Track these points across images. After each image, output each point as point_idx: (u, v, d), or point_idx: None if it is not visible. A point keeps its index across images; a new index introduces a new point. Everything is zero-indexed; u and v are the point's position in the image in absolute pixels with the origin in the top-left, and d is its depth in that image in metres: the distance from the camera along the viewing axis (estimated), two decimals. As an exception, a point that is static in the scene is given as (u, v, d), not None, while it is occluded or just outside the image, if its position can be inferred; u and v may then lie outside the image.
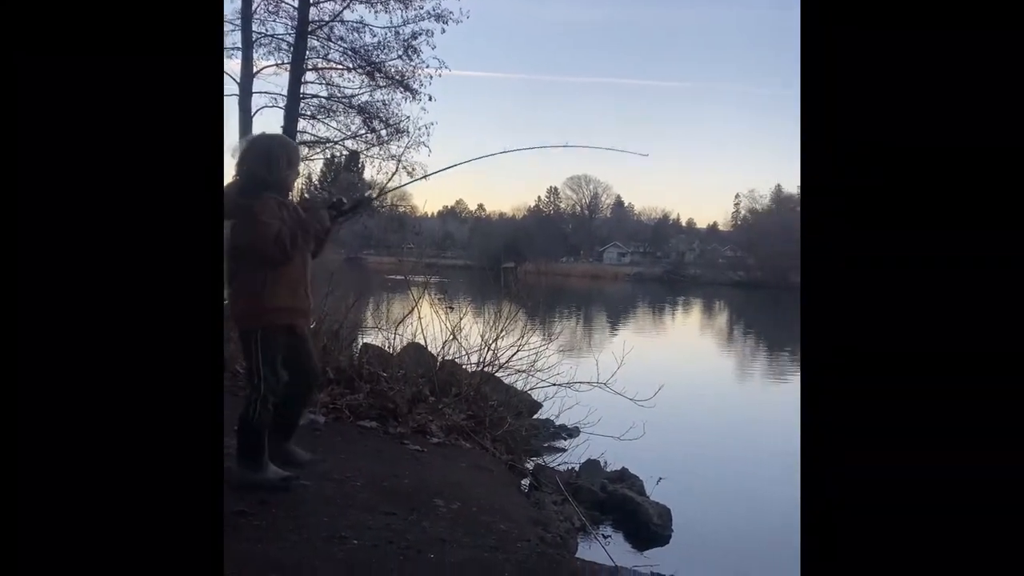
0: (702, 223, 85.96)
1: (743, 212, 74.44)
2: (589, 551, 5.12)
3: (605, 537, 5.64)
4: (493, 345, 6.77)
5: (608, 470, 6.85)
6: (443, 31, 14.62)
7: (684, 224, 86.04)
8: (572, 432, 8.04)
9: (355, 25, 14.62)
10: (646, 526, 5.79)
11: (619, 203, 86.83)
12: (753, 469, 8.10)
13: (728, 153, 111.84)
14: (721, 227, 79.46)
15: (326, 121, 15.21)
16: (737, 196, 78.27)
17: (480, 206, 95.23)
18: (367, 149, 15.64)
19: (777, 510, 6.68)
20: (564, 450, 7.66)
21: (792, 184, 68.66)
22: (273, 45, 14.36)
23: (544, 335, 10.73)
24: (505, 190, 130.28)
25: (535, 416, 8.35)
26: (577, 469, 6.71)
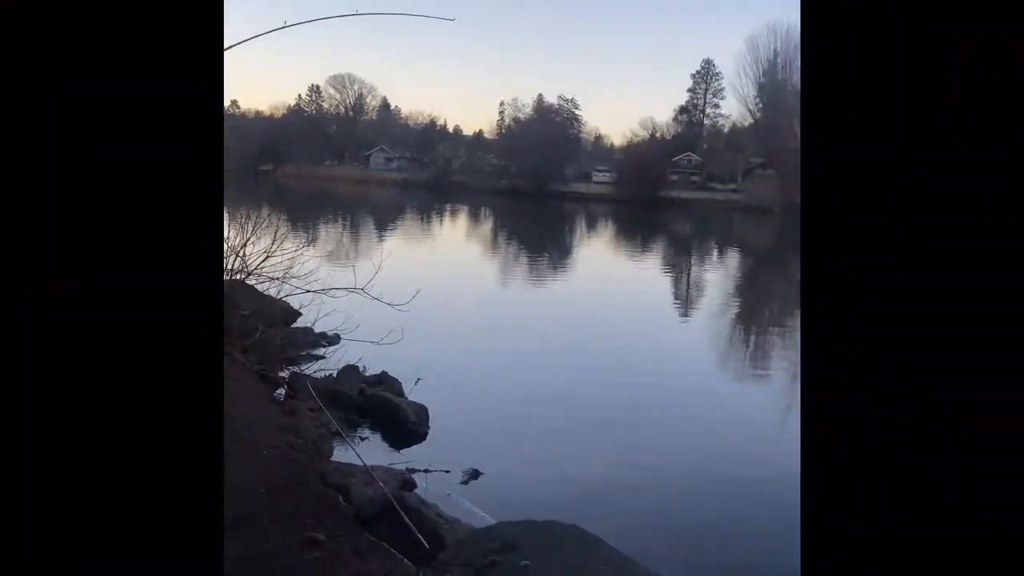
0: (469, 130, 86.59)
1: (507, 121, 75.81)
2: (346, 454, 5.17)
3: (362, 439, 5.71)
4: (241, 252, 6.38)
5: (367, 375, 6.88)
6: None
7: (451, 131, 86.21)
8: (332, 339, 7.94)
9: None
10: (404, 425, 5.95)
11: (385, 105, 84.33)
12: (507, 363, 8.59)
13: (496, 59, 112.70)
14: (487, 135, 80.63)
15: None
16: (502, 104, 79.06)
17: (234, 102, 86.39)
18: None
19: (522, 398, 7.19)
20: (323, 357, 7.57)
21: (552, 95, 70.99)
22: None
23: (304, 241, 10.36)
24: (262, 86, 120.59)
25: (293, 325, 8.11)
26: (335, 375, 6.67)
